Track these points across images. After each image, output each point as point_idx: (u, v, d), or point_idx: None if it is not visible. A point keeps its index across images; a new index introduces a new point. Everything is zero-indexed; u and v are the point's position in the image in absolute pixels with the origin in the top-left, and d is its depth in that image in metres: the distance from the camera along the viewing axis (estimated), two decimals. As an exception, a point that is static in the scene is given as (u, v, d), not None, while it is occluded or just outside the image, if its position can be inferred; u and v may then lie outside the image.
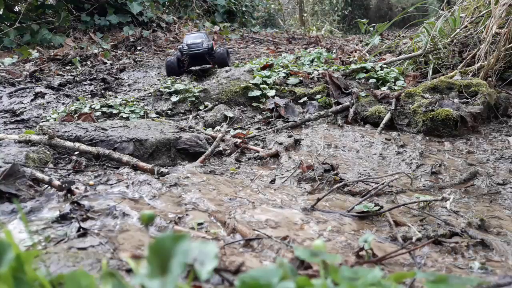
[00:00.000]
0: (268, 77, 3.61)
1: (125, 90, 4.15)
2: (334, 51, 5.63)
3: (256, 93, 3.36)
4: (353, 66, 3.85)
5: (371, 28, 6.70)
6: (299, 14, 17.08)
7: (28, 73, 4.67)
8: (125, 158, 2.03)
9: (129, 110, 3.17)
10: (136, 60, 5.79)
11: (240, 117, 3.14)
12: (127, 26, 7.48)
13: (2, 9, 6.76)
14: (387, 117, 2.83)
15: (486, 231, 1.35)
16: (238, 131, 2.76)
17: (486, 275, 1.01)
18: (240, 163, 2.20)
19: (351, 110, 2.99)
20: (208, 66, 4.36)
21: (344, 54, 5.44)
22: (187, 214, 1.30)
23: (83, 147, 2.12)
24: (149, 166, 1.92)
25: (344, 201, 1.55)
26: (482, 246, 1.18)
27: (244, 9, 10.55)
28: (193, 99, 3.37)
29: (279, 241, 1.11)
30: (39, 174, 1.66)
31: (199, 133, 2.54)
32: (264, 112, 3.22)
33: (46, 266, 0.91)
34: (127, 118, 3.04)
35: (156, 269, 0.59)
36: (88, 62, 5.54)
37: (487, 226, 1.37)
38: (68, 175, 1.90)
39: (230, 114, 3.08)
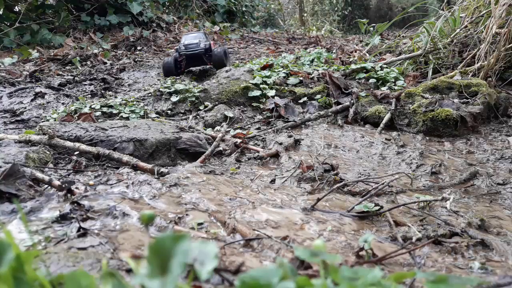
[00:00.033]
0: (268, 77, 3.61)
1: (125, 90, 4.15)
2: (334, 51, 5.63)
3: (256, 93, 3.36)
4: (353, 66, 3.85)
5: (371, 28, 6.70)
6: (299, 14, 17.08)
7: (28, 73, 4.67)
8: (125, 158, 2.03)
9: (129, 110, 3.17)
10: (136, 60, 5.79)
11: (240, 117, 3.14)
12: (127, 26, 7.48)
13: (2, 9, 6.76)
14: (387, 117, 2.83)
15: (486, 231, 1.35)
16: (238, 131, 2.76)
17: (486, 275, 1.01)
18: (240, 163, 2.20)
19: (351, 110, 2.99)
20: (207, 66, 4.35)
21: (344, 54, 5.44)
22: (187, 214, 1.30)
23: (83, 147, 2.12)
24: (149, 166, 1.92)
25: (344, 201, 1.55)
26: (482, 246, 1.18)
27: (244, 9, 10.56)
28: (193, 99, 3.37)
29: (279, 241, 1.11)
30: (39, 174, 1.66)
31: (199, 133, 2.54)
32: (264, 112, 3.22)
33: (46, 266, 0.91)
34: (127, 118, 3.04)
35: (156, 269, 0.59)
36: (88, 62, 5.54)
37: (487, 226, 1.37)
38: (68, 175, 1.90)
39: (230, 114, 3.08)
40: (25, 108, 3.46)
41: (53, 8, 7.37)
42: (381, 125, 2.77)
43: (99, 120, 2.94)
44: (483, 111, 2.75)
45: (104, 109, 3.15)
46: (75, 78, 4.53)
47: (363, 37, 8.04)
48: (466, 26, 3.94)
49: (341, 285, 0.63)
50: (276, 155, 2.23)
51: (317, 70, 3.88)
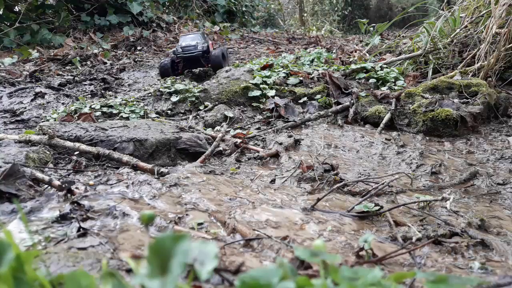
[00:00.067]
0: (268, 77, 3.61)
1: (125, 90, 4.15)
2: (334, 51, 5.63)
3: (256, 93, 3.36)
4: (353, 66, 3.85)
5: (371, 28, 6.70)
6: (299, 14, 17.09)
7: (28, 73, 4.67)
8: (125, 158, 2.03)
9: (129, 110, 3.17)
10: (136, 60, 5.79)
11: (240, 117, 3.14)
12: (127, 26, 7.48)
13: (2, 9, 6.76)
14: (387, 117, 2.83)
15: (486, 231, 1.35)
16: (238, 131, 2.76)
17: (486, 275, 1.01)
18: (240, 163, 2.20)
19: (351, 110, 2.99)
20: (204, 69, 4.32)
21: (344, 54, 5.44)
22: (187, 214, 1.30)
23: (83, 147, 2.12)
24: (149, 166, 1.92)
25: (344, 201, 1.55)
26: (482, 246, 1.18)
27: (244, 9, 10.56)
28: (193, 99, 3.37)
29: (279, 241, 1.11)
30: (39, 174, 1.66)
31: (199, 133, 2.54)
32: (264, 112, 3.22)
33: (46, 266, 0.91)
34: (127, 118, 3.04)
35: (156, 269, 0.59)
36: (88, 62, 5.54)
37: (487, 226, 1.37)
38: (68, 175, 1.90)
39: (230, 114, 3.08)
40: (25, 108, 3.46)
41: (53, 8, 7.37)
42: (381, 125, 2.77)
43: (99, 120, 2.94)
44: (483, 111, 2.75)
45: (104, 109, 3.15)
46: (75, 78, 4.53)
47: (363, 37, 8.05)
48: (466, 26, 3.94)
49: (341, 285, 0.63)
50: (276, 155, 2.23)
51: (317, 70, 3.88)
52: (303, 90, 3.43)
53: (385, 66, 3.93)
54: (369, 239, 1.01)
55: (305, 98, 3.32)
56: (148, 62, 5.71)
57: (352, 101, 3.07)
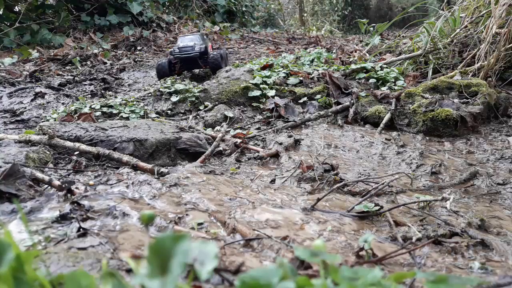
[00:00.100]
0: (268, 77, 3.61)
1: (125, 90, 4.15)
2: (334, 51, 5.63)
3: (256, 93, 3.36)
4: (353, 66, 3.85)
5: (371, 28, 6.70)
6: (299, 14, 17.09)
7: (28, 73, 4.67)
8: (125, 158, 2.03)
9: (129, 110, 3.17)
10: (136, 60, 5.79)
11: (240, 117, 3.14)
12: (127, 26, 7.48)
13: (2, 9, 6.76)
14: (387, 117, 2.83)
15: (486, 231, 1.35)
16: (238, 131, 2.76)
17: (486, 275, 1.01)
18: (240, 163, 2.20)
19: (351, 110, 2.99)
20: (202, 70, 4.27)
21: (344, 54, 5.44)
22: (187, 214, 1.30)
23: (83, 147, 2.12)
24: (149, 166, 1.92)
25: (344, 201, 1.55)
26: (482, 246, 1.18)
27: (244, 9, 10.56)
28: (193, 99, 3.37)
29: (279, 241, 1.11)
30: (39, 174, 1.66)
31: (199, 133, 2.54)
32: (264, 112, 3.22)
33: (46, 266, 0.91)
34: (127, 118, 3.05)
35: (156, 269, 0.59)
36: (88, 62, 5.55)
37: (487, 226, 1.37)
38: (68, 175, 1.90)
39: (230, 114, 3.08)
40: (25, 108, 3.46)
41: (53, 8, 7.37)
42: (381, 125, 2.77)
43: (99, 120, 2.95)
44: (483, 111, 2.75)
45: (104, 109, 3.15)
46: (75, 78, 4.53)
47: (363, 37, 8.05)
48: (466, 26, 3.94)
49: (341, 285, 0.63)
50: (276, 155, 2.23)
51: (317, 70, 3.88)
52: (303, 90, 3.43)
53: (385, 66, 3.93)
54: (369, 239, 1.01)
55: (305, 98, 3.32)
56: (148, 62, 5.71)
57: (352, 101, 3.07)
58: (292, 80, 3.66)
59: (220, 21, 9.51)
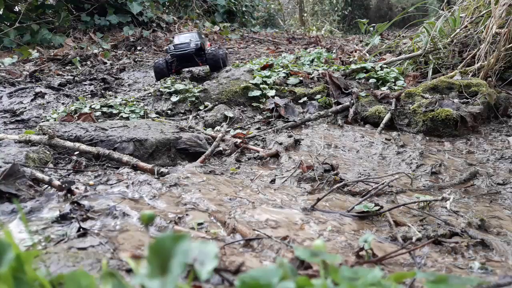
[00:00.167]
0: (268, 77, 3.61)
1: (125, 90, 4.15)
2: (334, 51, 5.63)
3: (256, 93, 3.36)
4: (353, 66, 3.85)
5: (371, 28, 6.70)
6: (299, 14, 17.09)
7: (28, 73, 4.67)
8: (125, 158, 2.03)
9: (129, 110, 3.17)
10: (136, 60, 5.79)
11: (240, 117, 3.14)
12: (127, 26, 7.48)
13: (2, 9, 6.76)
14: (387, 117, 2.83)
15: (486, 231, 1.35)
16: (238, 131, 2.76)
17: (486, 275, 1.01)
18: (240, 163, 2.20)
19: (351, 110, 2.99)
20: (199, 68, 4.18)
21: (344, 54, 5.44)
22: (187, 214, 1.30)
23: (83, 147, 2.12)
24: (149, 166, 1.92)
25: (344, 201, 1.55)
26: (482, 246, 1.18)
27: (244, 9, 10.56)
28: (193, 99, 3.37)
29: (279, 241, 1.11)
30: (39, 174, 1.66)
31: (199, 133, 2.54)
32: (264, 112, 3.22)
33: (46, 266, 0.91)
34: (127, 118, 3.05)
35: (156, 269, 0.59)
36: (88, 62, 5.55)
37: (487, 226, 1.37)
38: (68, 175, 1.90)
39: (230, 114, 3.08)
40: (25, 108, 3.46)
41: (53, 8, 7.37)
42: (381, 125, 2.77)
43: (99, 120, 2.95)
44: (483, 111, 2.75)
45: (104, 109, 3.15)
46: (75, 78, 4.53)
47: (363, 37, 8.05)
48: (466, 26, 3.94)
49: (341, 285, 0.63)
50: (276, 155, 2.23)
51: (317, 70, 3.88)
52: (303, 90, 3.43)
53: (385, 66, 3.93)
54: (369, 239, 1.01)
55: (305, 98, 3.32)
56: (148, 62, 5.71)
57: (352, 101, 3.07)
58: (292, 80, 3.66)
59: (220, 21, 9.51)
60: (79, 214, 1.24)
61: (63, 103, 3.65)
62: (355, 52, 5.52)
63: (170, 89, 3.50)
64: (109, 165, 2.06)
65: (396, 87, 3.50)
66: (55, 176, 1.84)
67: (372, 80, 3.62)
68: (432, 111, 2.71)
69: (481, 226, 1.35)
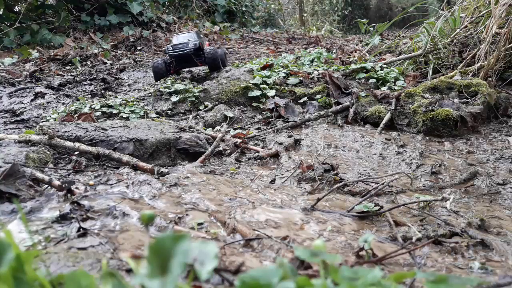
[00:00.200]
0: (268, 77, 3.61)
1: (125, 90, 4.15)
2: (334, 51, 5.63)
3: (256, 93, 3.36)
4: (353, 66, 3.85)
5: (371, 28, 6.70)
6: (299, 14, 17.09)
7: (28, 73, 4.67)
8: (125, 158, 2.03)
9: (129, 110, 3.17)
10: (136, 60, 5.79)
11: (240, 117, 3.14)
12: (127, 26, 7.48)
13: (2, 9, 6.76)
14: (387, 117, 2.83)
15: (486, 231, 1.35)
16: (238, 131, 2.76)
17: (486, 275, 1.01)
18: (240, 163, 2.20)
19: (351, 110, 2.99)
20: (198, 68, 4.14)
21: (344, 54, 5.44)
22: (187, 214, 1.30)
23: (83, 147, 2.12)
24: (149, 166, 1.92)
25: (344, 201, 1.55)
26: (482, 246, 1.18)
27: (244, 9, 10.56)
28: (193, 99, 3.37)
29: (279, 241, 1.11)
30: (39, 174, 1.66)
31: (199, 133, 2.54)
32: (264, 112, 3.22)
33: (46, 266, 0.91)
34: (127, 118, 3.05)
35: (156, 269, 0.59)
36: (88, 62, 5.55)
37: (487, 226, 1.37)
38: (68, 175, 1.90)
39: (230, 114, 3.08)
40: (25, 108, 3.46)
41: (53, 8, 7.37)
42: (381, 125, 2.77)
43: (99, 120, 2.95)
44: (483, 111, 2.75)
45: (104, 109, 3.15)
46: (75, 78, 4.53)
47: (363, 37, 8.04)
48: (466, 26, 3.94)
49: (341, 285, 0.63)
50: (276, 155, 2.23)
51: (317, 70, 3.87)
52: (303, 90, 3.43)
53: (385, 66, 3.93)
54: (369, 239, 1.01)
55: (305, 98, 3.32)
56: (148, 62, 5.71)
57: (352, 101, 3.07)
58: (292, 80, 3.66)
59: (220, 21, 9.51)
60: (79, 214, 1.24)
61: (63, 103, 3.65)
62: (355, 52, 5.52)
63: (170, 89, 3.50)
64: (109, 165, 2.06)
65: (396, 87, 3.50)
66: (55, 176, 1.84)
67: (372, 80, 3.62)
68: (432, 111, 2.71)
69: (481, 226, 1.35)
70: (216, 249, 0.63)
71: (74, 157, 2.07)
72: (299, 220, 1.29)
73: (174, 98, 3.38)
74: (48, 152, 2.08)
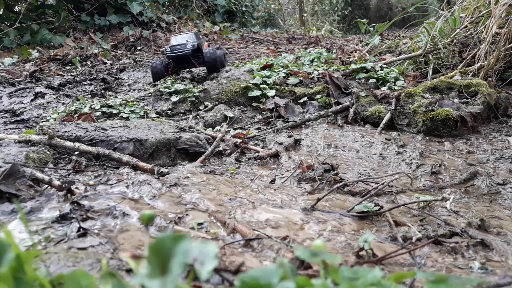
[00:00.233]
0: (268, 77, 3.61)
1: (125, 90, 4.14)
2: (334, 51, 5.63)
3: (256, 93, 3.36)
4: (353, 66, 3.85)
5: (371, 28, 6.70)
6: (299, 14, 17.08)
7: (28, 73, 4.67)
8: (125, 158, 2.03)
9: (129, 110, 3.17)
10: (136, 60, 5.79)
11: (240, 117, 3.14)
12: (127, 26, 7.47)
13: (2, 9, 6.76)
14: (387, 117, 2.83)
15: (486, 231, 1.35)
16: (238, 131, 2.76)
17: (486, 275, 1.01)
18: (240, 163, 2.20)
19: (351, 110, 2.99)
20: (197, 69, 4.12)
21: (344, 54, 5.44)
22: (187, 214, 1.30)
23: (83, 147, 2.12)
24: (149, 166, 1.92)
25: (344, 201, 1.55)
26: (482, 246, 1.18)
27: (244, 9, 10.56)
28: (193, 99, 3.37)
29: (279, 241, 1.11)
30: (39, 174, 1.66)
31: (199, 133, 2.54)
32: (264, 112, 3.22)
33: (46, 266, 0.91)
34: (127, 118, 3.05)
35: (156, 269, 0.59)
36: (88, 62, 5.54)
37: (487, 226, 1.37)
38: (68, 175, 1.90)
39: (230, 114, 3.08)
40: (25, 108, 3.46)
41: (53, 8, 7.36)
42: (381, 125, 2.77)
43: (99, 120, 2.95)
44: (483, 111, 2.75)
45: (104, 109, 3.15)
46: (75, 78, 4.53)
47: (363, 37, 8.04)
48: (466, 26, 3.94)
49: (341, 285, 0.63)
50: (276, 155, 2.23)
51: (317, 70, 3.87)
52: (303, 90, 3.43)
53: (385, 66, 3.93)
54: (369, 239, 1.01)
55: (305, 98, 3.32)
56: (148, 62, 5.70)
57: (352, 101, 3.07)
58: (292, 80, 3.66)
59: (220, 21, 9.51)
60: (79, 214, 1.24)
61: (63, 103, 3.65)
62: (355, 52, 5.52)
63: (170, 89, 3.50)
64: (109, 165, 2.06)
65: (396, 87, 3.50)
66: (55, 176, 1.84)
67: (372, 80, 3.62)
68: (432, 111, 2.71)
69: (481, 226, 1.35)
70: (216, 249, 0.63)
71: (74, 157, 2.07)
72: (299, 220, 1.29)
73: (174, 98, 3.38)
74: (48, 152, 2.08)
